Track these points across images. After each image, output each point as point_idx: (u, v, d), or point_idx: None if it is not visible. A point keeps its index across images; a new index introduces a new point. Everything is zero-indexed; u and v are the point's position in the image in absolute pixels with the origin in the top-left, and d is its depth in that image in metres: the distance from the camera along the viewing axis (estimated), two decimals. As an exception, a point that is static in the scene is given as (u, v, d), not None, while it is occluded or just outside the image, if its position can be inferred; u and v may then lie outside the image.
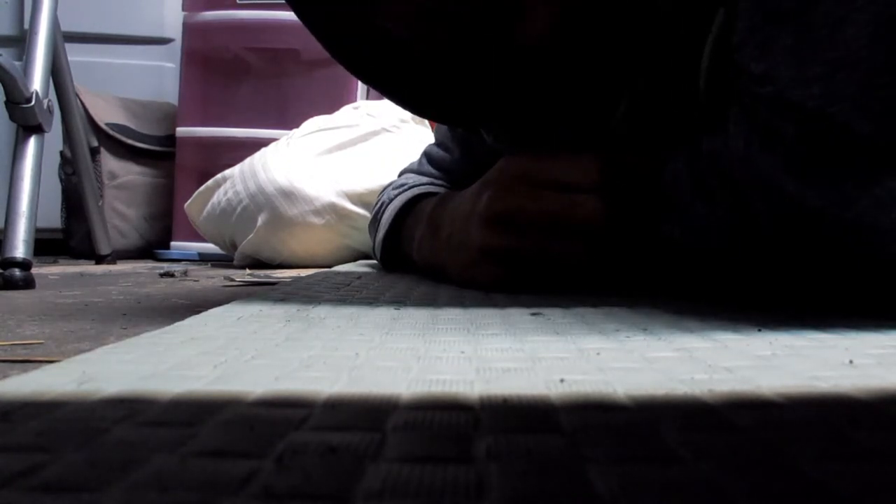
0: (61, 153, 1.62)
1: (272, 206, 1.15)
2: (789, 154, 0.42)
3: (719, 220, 0.46)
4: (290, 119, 1.44)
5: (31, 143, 0.93)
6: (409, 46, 0.53)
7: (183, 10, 1.60)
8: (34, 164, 0.92)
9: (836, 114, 0.40)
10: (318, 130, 1.27)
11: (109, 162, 1.64)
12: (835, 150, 0.40)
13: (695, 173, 0.47)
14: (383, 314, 0.44)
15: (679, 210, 0.48)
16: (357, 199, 1.16)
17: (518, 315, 0.43)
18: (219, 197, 1.24)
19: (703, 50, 0.50)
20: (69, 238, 1.67)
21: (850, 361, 0.29)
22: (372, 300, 0.51)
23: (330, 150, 1.22)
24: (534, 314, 0.43)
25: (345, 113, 1.34)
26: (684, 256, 0.49)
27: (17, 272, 0.81)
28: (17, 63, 0.97)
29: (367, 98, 1.60)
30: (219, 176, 1.26)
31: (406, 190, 0.78)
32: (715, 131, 0.47)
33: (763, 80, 0.43)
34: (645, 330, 0.37)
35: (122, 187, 1.66)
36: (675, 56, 0.53)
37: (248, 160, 1.24)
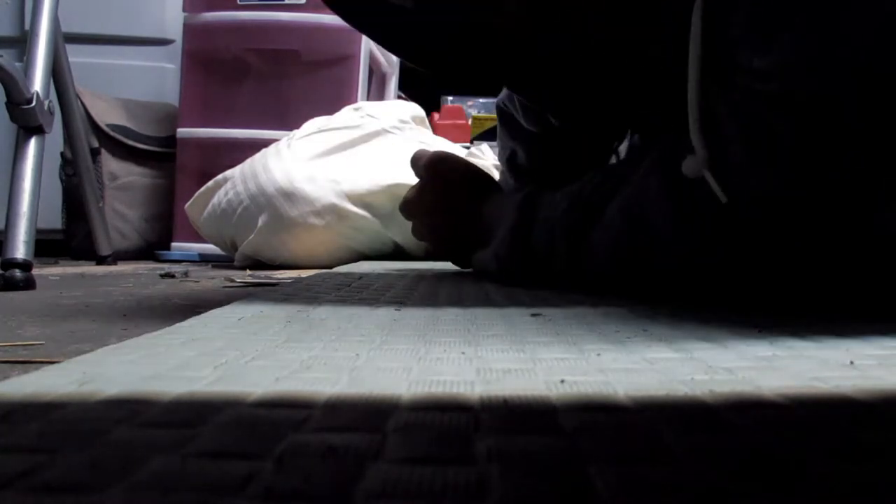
0: (62, 154, 1.62)
1: (273, 207, 1.15)
2: (786, 155, 0.41)
3: (705, 236, 0.46)
4: (290, 120, 1.44)
5: (32, 144, 0.93)
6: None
7: (184, 11, 1.60)
8: (35, 164, 0.92)
9: (840, 109, 0.39)
10: (318, 131, 1.26)
11: (110, 163, 1.64)
12: (836, 148, 0.40)
13: (679, 196, 0.46)
14: (384, 315, 0.44)
15: (654, 230, 0.48)
16: (358, 200, 1.16)
17: (518, 316, 0.43)
18: (219, 198, 1.24)
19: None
20: (70, 239, 1.67)
21: (851, 362, 0.29)
22: (372, 301, 0.51)
23: (330, 151, 1.22)
24: (534, 315, 0.43)
25: (345, 114, 1.34)
26: (663, 275, 0.50)
27: (17, 273, 0.81)
28: (17, 64, 0.97)
29: (368, 99, 1.60)
30: (219, 177, 1.26)
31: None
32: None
33: (767, 76, 0.41)
34: (645, 331, 0.37)
35: (122, 188, 1.66)
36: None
37: (248, 161, 1.24)
